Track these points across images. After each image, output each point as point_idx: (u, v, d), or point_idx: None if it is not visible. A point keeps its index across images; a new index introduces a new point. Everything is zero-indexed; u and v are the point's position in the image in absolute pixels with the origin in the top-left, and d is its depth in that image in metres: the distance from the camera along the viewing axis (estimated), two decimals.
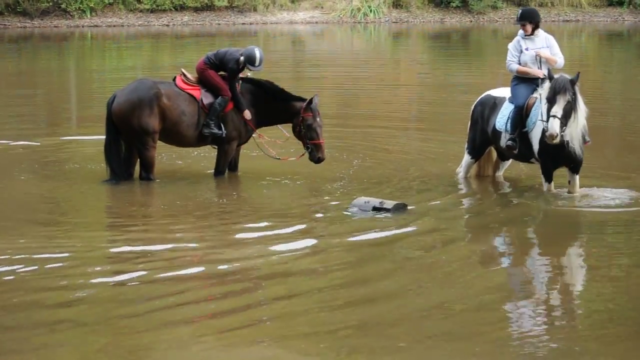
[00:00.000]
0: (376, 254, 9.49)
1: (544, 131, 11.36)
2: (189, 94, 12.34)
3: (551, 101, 11.19)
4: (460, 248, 9.77)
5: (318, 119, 12.36)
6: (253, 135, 12.75)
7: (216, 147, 12.67)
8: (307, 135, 12.39)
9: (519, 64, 12.01)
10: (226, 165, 12.67)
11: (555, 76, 11.28)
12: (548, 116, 11.17)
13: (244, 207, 11.68)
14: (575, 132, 11.32)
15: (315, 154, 12.45)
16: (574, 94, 11.21)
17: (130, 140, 12.29)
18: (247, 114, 12.42)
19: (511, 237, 10.40)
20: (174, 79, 12.53)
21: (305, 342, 7.13)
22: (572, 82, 11.21)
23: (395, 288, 8.45)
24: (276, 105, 12.52)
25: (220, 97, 12.29)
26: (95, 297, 8.16)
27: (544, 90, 11.46)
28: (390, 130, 17.31)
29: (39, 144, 15.82)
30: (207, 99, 12.31)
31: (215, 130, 12.26)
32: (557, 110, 11.14)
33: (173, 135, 12.35)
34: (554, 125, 11.09)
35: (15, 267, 8.88)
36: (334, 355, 6.90)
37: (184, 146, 12.91)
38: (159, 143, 12.53)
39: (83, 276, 8.69)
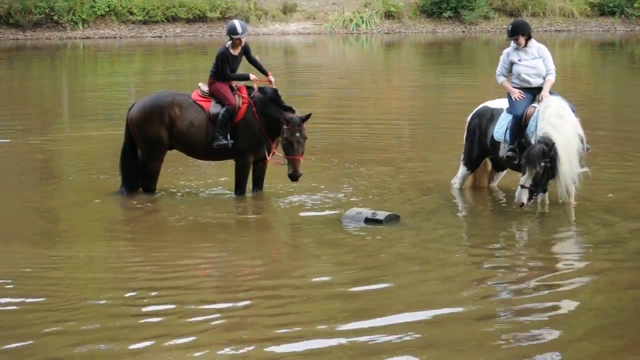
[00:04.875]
0: (371, 262, 9.45)
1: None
2: (200, 105, 12.33)
3: (523, 170, 11.27)
4: (454, 259, 9.70)
5: (297, 134, 11.84)
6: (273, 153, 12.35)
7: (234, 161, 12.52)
8: (284, 149, 11.99)
9: (512, 74, 12.08)
10: (244, 183, 12.42)
11: (533, 144, 11.21)
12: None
13: (239, 221, 11.66)
14: (564, 180, 11.30)
15: (288, 170, 11.97)
16: (548, 160, 11.14)
17: (140, 149, 12.40)
18: (254, 76, 12.34)
19: (507, 248, 10.33)
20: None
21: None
22: (545, 154, 11.14)
23: (389, 299, 8.40)
24: (278, 114, 12.12)
25: (224, 107, 12.23)
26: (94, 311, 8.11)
27: (540, 106, 11.56)
28: (382, 137, 17.29)
29: (31, 142, 16.06)
30: (214, 109, 12.25)
31: (223, 142, 12.15)
32: (527, 180, 11.21)
33: (183, 144, 12.37)
34: (521, 195, 11.22)
35: (10, 285, 8.83)
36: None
37: (197, 157, 12.86)
38: (179, 157, 12.64)
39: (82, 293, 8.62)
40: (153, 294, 8.57)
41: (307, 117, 11.96)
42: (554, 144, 11.17)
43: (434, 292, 8.61)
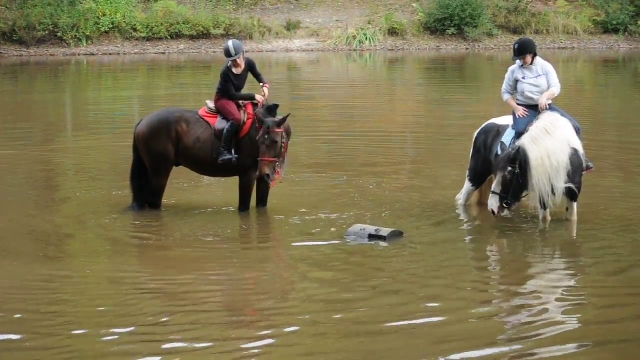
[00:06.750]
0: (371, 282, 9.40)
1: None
2: (206, 121, 12.36)
3: (494, 175, 11.47)
4: (456, 275, 9.65)
5: (266, 136, 11.73)
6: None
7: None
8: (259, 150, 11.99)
9: (517, 92, 12.05)
10: (248, 199, 12.42)
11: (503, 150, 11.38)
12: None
13: (245, 242, 11.66)
14: (535, 191, 11.24)
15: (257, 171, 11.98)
16: (516, 167, 11.11)
17: (146, 164, 12.40)
18: (259, 97, 12.32)
19: (510, 265, 10.28)
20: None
21: None
22: (510, 160, 11.14)
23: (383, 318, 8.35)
24: None
25: (229, 122, 12.20)
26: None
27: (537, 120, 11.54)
28: (385, 151, 17.26)
29: (34, 154, 16.19)
30: (220, 124, 12.26)
31: (227, 156, 12.14)
32: (497, 186, 11.30)
33: (189, 159, 12.39)
34: (492, 202, 11.30)
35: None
36: None
37: (203, 173, 12.89)
38: (185, 172, 12.67)
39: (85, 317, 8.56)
40: (168, 326, 8.24)
41: (282, 120, 11.88)
42: (521, 151, 11.16)
43: (446, 319, 8.43)
